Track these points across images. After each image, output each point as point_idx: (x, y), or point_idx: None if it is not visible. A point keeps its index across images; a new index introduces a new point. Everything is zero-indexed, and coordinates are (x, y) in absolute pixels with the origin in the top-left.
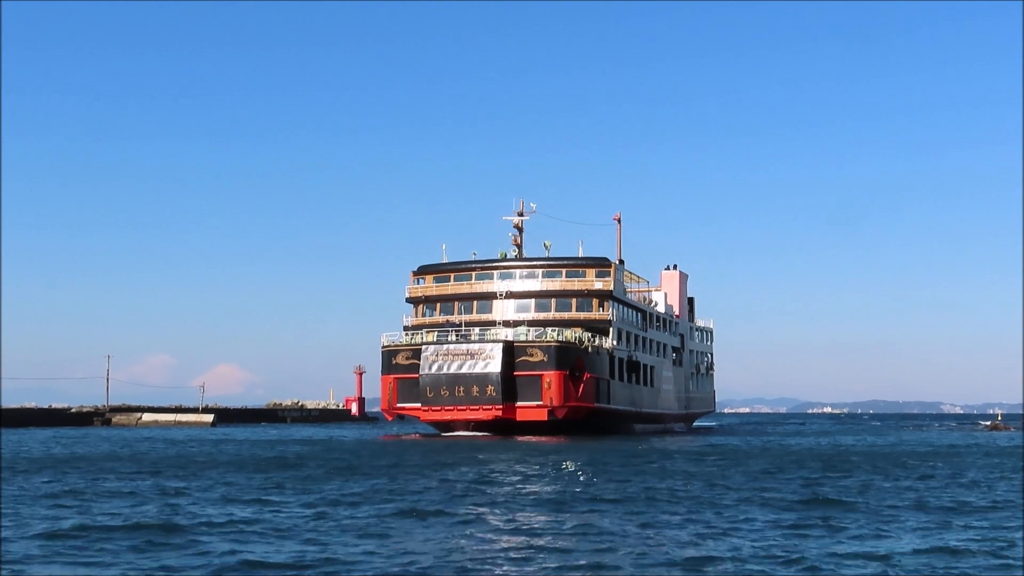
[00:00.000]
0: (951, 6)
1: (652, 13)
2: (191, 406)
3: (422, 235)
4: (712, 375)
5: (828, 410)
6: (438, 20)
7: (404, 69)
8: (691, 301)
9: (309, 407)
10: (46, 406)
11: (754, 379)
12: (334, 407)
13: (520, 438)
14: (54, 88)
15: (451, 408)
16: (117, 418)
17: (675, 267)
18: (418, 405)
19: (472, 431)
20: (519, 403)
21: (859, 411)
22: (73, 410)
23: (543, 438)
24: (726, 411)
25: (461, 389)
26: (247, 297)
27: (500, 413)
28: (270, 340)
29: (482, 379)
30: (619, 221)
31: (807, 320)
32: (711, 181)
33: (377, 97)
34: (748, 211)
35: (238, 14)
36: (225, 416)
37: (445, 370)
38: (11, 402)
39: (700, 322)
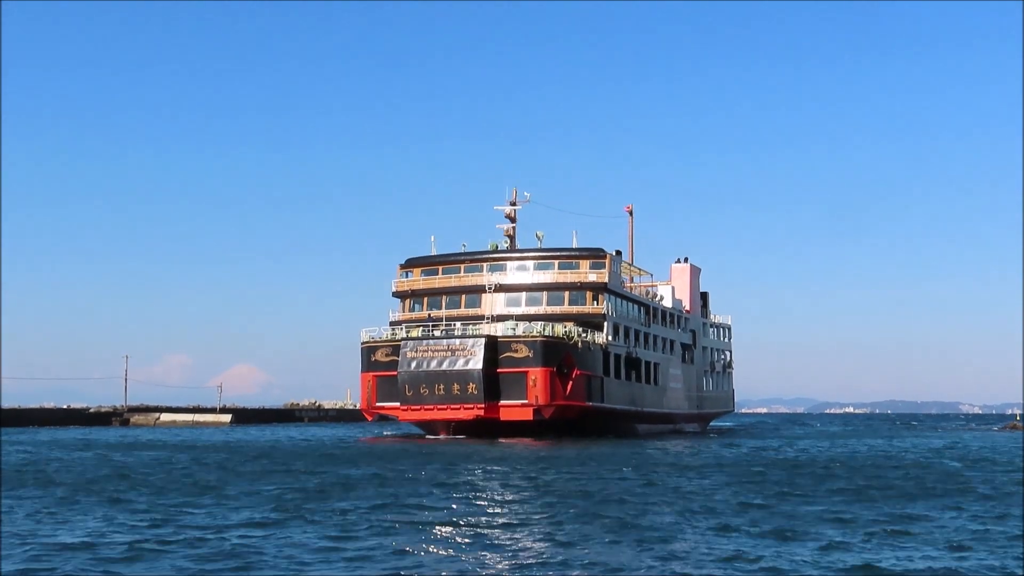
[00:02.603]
0: (951, 6)
1: (663, 7)
2: (209, 406)
3: (427, 230)
4: (730, 374)
5: (850, 410)
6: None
7: (393, 50)
8: (704, 296)
9: (326, 407)
10: (64, 406)
11: (771, 379)
12: (351, 407)
13: (503, 440)
14: (66, 86)
15: (431, 407)
16: (135, 418)
17: (686, 260)
18: (397, 404)
19: (452, 433)
20: (503, 402)
21: (877, 411)
22: (92, 410)
23: (527, 440)
24: (744, 411)
25: (441, 387)
26: (264, 297)
27: (482, 412)
28: (288, 340)
29: (463, 376)
30: (631, 213)
31: (825, 319)
32: (730, 176)
33: (365, 81)
34: (767, 208)
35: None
36: (243, 416)
37: (424, 367)
38: (31, 402)
39: (716, 318)
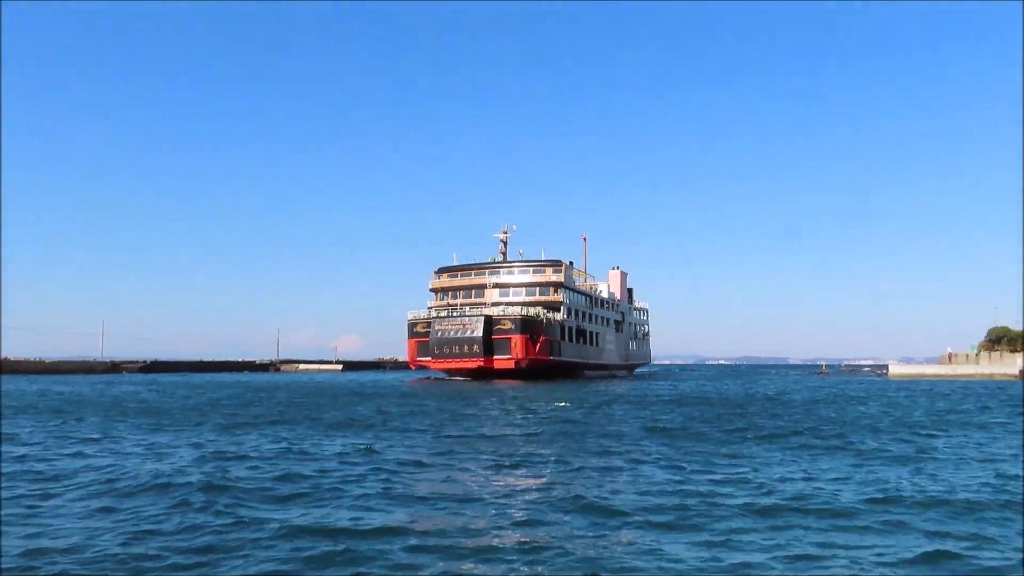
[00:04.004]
0: (951, 6)
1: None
2: (329, 359)
3: (451, 248)
4: (648, 339)
5: (722, 362)
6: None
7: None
8: (630, 291)
9: (401, 360)
10: (239, 359)
11: (672, 340)
12: None
13: (495, 381)
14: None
15: (451, 360)
16: (284, 367)
17: (618, 267)
18: (429, 359)
19: (464, 376)
20: (495, 357)
21: (736, 363)
22: (257, 362)
23: (512, 381)
24: (655, 363)
25: (457, 348)
26: (361, 290)
27: (482, 363)
28: (377, 318)
29: (470, 341)
30: (585, 240)
31: (706, 301)
32: (653, 210)
33: (421, 143)
34: (677, 232)
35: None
36: (349, 366)
37: (447, 335)
38: (220, 357)
39: (638, 304)
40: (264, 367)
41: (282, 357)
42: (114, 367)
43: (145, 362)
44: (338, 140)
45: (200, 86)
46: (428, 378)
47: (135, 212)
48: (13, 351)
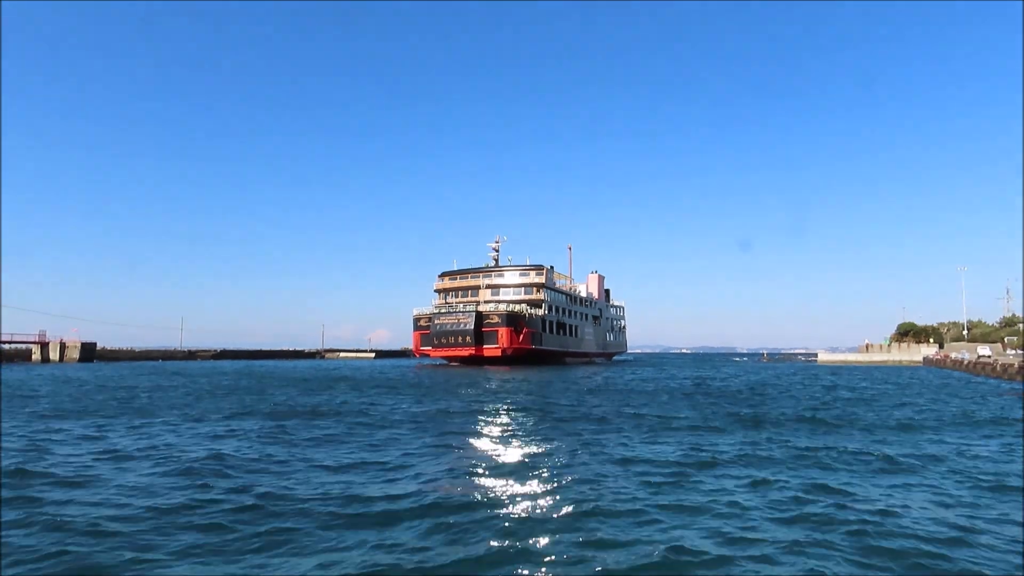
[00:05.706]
0: (952, 6)
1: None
2: (364, 349)
3: (452, 255)
4: (624, 331)
5: (684, 350)
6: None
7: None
8: (607, 291)
9: None
10: (292, 348)
11: (645, 332)
12: None
13: (486, 367)
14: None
15: (448, 349)
16: (327, 355)
17: (596, 271)
18: (430, 348)
19: (459, 363)
20: (485, 346)
21: (696, 351)
22: (306, 351)
23: (500, 367)
24: (630, 351)
25: (452, 338)
26: (388, 295)
27: (474, 351)
28: (401, 315)
29: (464, 332)
30: (570, 249)
31: (671, 298)
32: (627, 224)
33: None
34: (649, 240)
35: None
36: (380, 355)
37: (445, 328)
38: (276, 346)
39: (615, 302)
40: (311, 355)
41: (326, 347)
42: (191, 355)
43: (216, 351)
44: (361, 177)
45: (233, 107)
46: (424, 365)
47: (208, 231)
48: (109, 342)
